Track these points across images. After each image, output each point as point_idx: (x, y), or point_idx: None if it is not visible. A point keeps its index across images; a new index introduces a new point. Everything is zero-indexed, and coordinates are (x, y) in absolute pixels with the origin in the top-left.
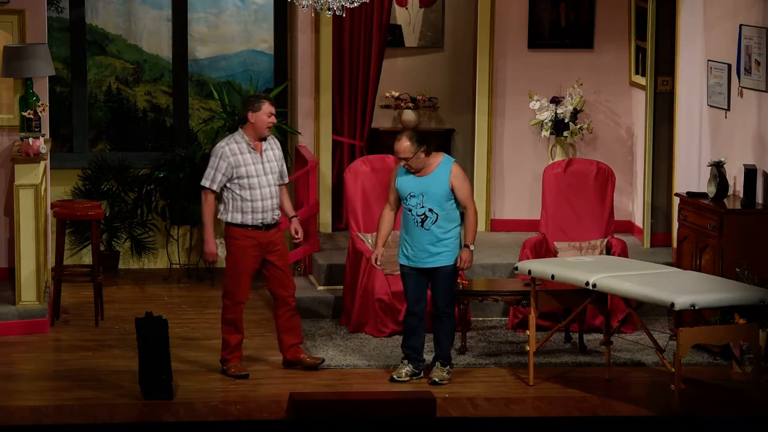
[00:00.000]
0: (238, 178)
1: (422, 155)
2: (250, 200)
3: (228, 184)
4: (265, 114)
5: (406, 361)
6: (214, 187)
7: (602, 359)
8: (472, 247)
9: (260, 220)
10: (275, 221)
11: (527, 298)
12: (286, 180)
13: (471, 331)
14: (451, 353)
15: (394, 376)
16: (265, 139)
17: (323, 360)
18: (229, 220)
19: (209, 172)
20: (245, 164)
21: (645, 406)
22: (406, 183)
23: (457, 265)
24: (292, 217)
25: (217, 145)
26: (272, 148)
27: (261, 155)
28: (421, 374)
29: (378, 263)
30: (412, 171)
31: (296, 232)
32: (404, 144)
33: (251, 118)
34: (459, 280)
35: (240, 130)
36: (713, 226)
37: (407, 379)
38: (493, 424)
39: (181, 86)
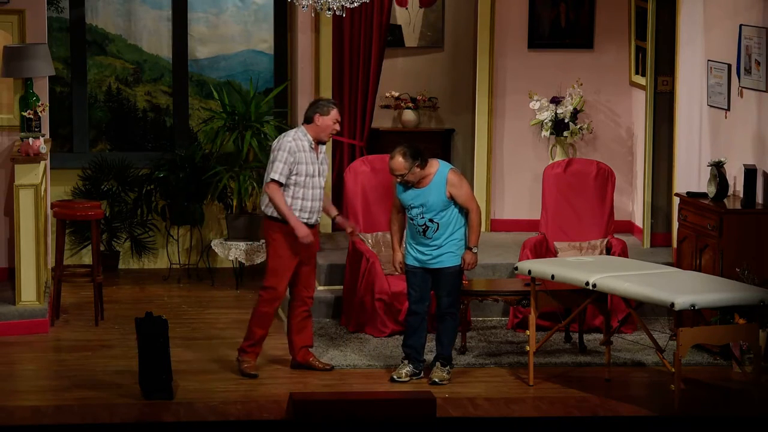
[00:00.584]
0: (296, 174)
1: (417, 169)
2: (302, 198)
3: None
4: (331, 120)
5: (406, 361)
6: (283, 180)
7: (602, 359)
8: (475, 250)
9: (305, 219)
10: (317, 222)
11: (527, 298)
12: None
13: (471, 331)
14: (452, 354)
15: (394, 377)
16: (323, 143)
17: (333, 367)
18: (275, 215)
19: (278, 165)
20: (305, 162)
21: (645, 406)
22: (405, 193)
23: (462, 268)
24: (336, 216)
25: (284, 139)
26: (323, 152)
27: (317, 156)
28: (421, 374)
29: (400, 269)
30: (409, 185)
31: (349, 226)
32: (398, 161)
33: (317, 120)
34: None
35: (303, 127)
36: (713, 226)
37: (407, 379)
38: (493, 424)
39: (181, 86)
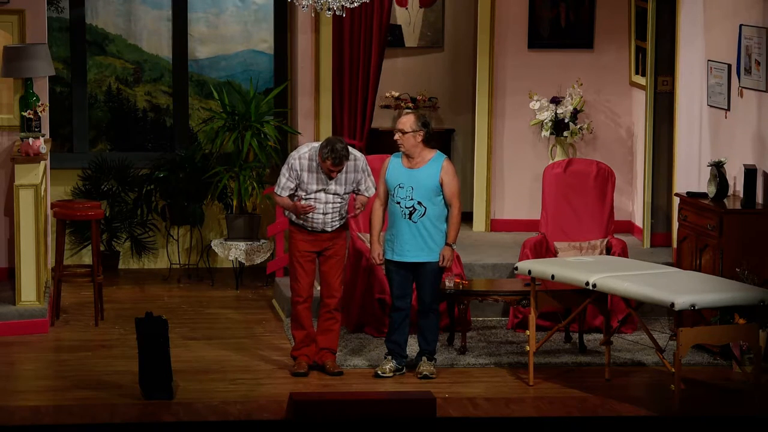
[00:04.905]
0: (299, 189)
1: (419, 138)
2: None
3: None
4: (325, 167)
5: (389, 357)
6: (285, 194)
7: (602, 359)
8: (453, 246)
9: (310, 228)
10: (329, 231)
11: (527, 298)
12: (368, 194)
13: (471, 331)
14: (436, 348)
15: (378, 372)
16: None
17: (342, 373)
18: (291, 218)
19: (280, 179)
20: (308, 182)
21: (645, 406)
22: (395, 174)
23: (439, 264)
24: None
25: (292, 154)
26: (348, 172)
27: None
28: (404, 370)
29: (380, 260)
30: (402, 150)
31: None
32: (408, 117)
33: (318, 157)
34: (458, 281)
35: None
36: (713, 226)
37: (391, 374)
38: (493, 424)
39: (181, 86)
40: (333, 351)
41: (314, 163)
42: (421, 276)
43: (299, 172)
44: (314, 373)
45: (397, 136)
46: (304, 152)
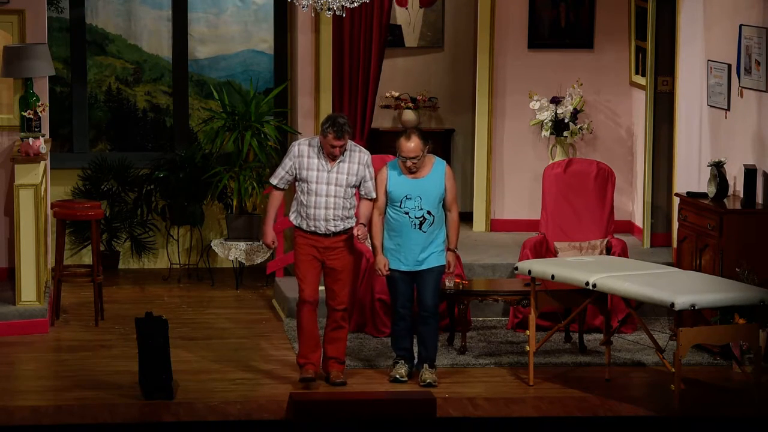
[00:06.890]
0: (300, 180)
1: (425, 152)
2: (305, 205)
3: (296, 184)
4: (327, 143)
5: (402, 362)
6: (278, 183)
7: (602, 359)
8: (457, 251)
9: (313, 227)
10: (330, 233)
11: (527, 298)
12: (371, 196)
13: (471, 331)
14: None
15: (396, 376)
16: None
17: (345, 383)
18: (290, 219)
19: (278, 169)
20: (309, 168)
21: (645, 406)
22: (400, 185)
23: (447, 270)
24: (360, 223)
25: (293, 143)
26: (351, 162)
27: (333, 165)
28: (414, 368)
29: (387, 272)
30: (413, 171)
31: (358, 230)
32: (416, 143)
33: (320, 136)
34: (458, 281)
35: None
36: (713, 226)
37: (406, 378)
38: (493, 424)
39: (181, 86)
40: (340, 360)
41: (315, 148)
42: (424, 280)
43: (299, 158)
44: None
45: (410, 164)
46: (305, 139)
